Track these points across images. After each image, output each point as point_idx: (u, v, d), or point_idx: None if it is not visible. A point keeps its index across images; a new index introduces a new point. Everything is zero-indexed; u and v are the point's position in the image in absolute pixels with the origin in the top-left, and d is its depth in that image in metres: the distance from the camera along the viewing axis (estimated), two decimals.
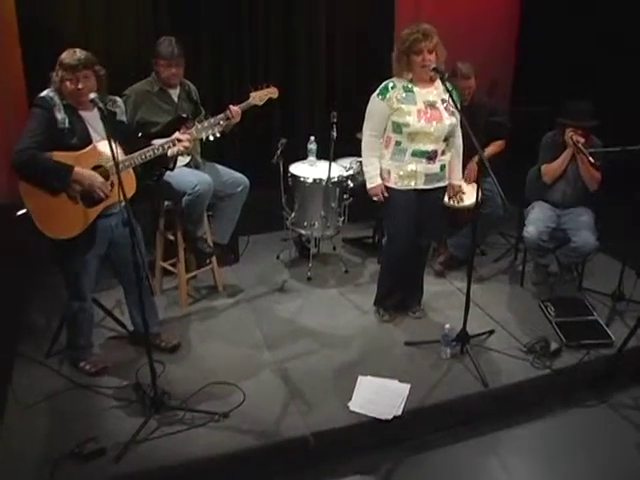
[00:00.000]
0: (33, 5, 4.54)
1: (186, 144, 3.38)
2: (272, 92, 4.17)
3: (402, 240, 3.84)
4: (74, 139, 3.07)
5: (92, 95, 2.98)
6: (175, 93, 4.06)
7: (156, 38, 4.70)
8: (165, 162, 3.42)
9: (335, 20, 5.57)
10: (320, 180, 4.50)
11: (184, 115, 3.83)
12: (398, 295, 4.13)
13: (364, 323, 4.15)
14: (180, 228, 4.13)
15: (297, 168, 4.67)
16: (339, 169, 4.66)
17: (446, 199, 4.20)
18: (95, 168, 3.12)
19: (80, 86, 3.05)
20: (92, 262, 3.33)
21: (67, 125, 3.06)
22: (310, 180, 4.52)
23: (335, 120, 4.34)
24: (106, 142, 2.98)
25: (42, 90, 3.13)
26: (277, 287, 4.60)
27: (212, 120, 3.48)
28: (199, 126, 3.49)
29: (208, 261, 4.39)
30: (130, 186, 3.21)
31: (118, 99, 3.37)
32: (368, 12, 5.60)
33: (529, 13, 6.02)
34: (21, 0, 4.45)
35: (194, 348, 3.87)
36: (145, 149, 3.22)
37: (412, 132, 3.60)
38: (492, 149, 4.68)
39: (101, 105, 2.93)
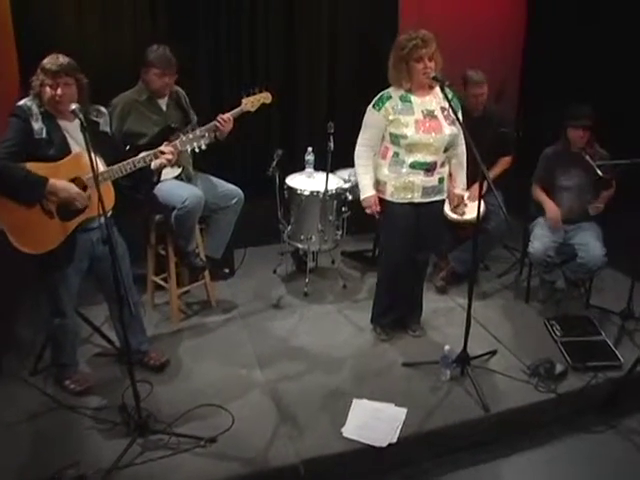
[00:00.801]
0: (29, 9, 4.42)
1: (169, 157, 3.23)
2: (265, 97, 4.01)
3: (398, 255, 3.69)
4: (51, 150, 2.95)
5: (73, 106, 2.85)
6: (164, 102, 3.92)
7: (153, 41, 4.59)
8: (148, 175, 3.28)
9: (337, 24, 5.41)
10: (317, 192, 4.35)
11: (173, 125, 3.70)
12: (395, 313, 3.97)
13: (360, 342, 3.99)
14: (171, 242, 4.00)
15: (294, 180, 4.53)
16: (337, 181, 4.51)
17: (448, 210, 4.07)
18: (73, 180, 2.99)
19: (59, 92, 2.93)
20: (72, 278, 3.20)
21: (44, 135, 2.94)
22: (307, 192, 4.38)
23: (332, 131, 4.20)
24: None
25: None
26: (272, 303, 4.45)
27: (197, 132, 3.33)
28: (184, 138, 3.33)
29: (201, 276, 4.25)
30: (109, 199, 3.09)
31: (102, 109, 3.24)
32: (371, 20, 5.45)
33: (536, 21, 5.87)
34: (17, 4, 4.35)
35: (184, 367, 3.73)
36: (125, 161, 3.09)
37: (410, 144, 3.46)
38: (499, 169, 4.53)
39: (81, 117, 2.79)
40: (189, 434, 3.10)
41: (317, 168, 4.62)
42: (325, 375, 3.65)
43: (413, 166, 3.51)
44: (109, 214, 3.22)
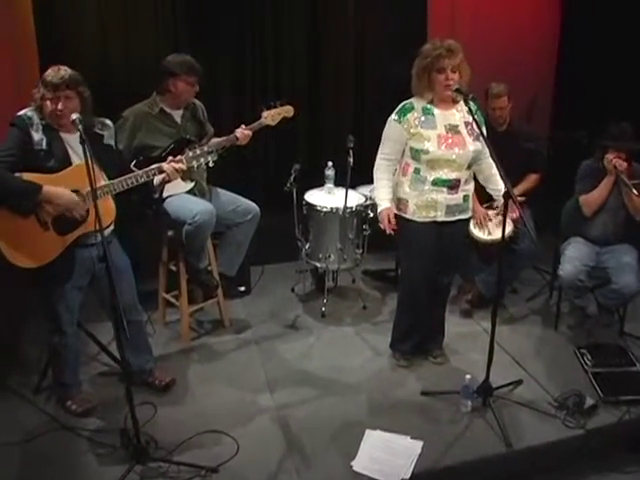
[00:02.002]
0: (51, 18, 4.38)
1: (172, 172, 3.09)
2: (287, 111, 3.89)
3: (419, 277, 3.49)
4: (51, 162, 2.84)
5: (74, 116, 2.73)
6: (178, 114, 3.78)
7: (175, 49, 4.50)
8: (150, 191, 3.15)
9: (364, 36, 5.28)
10: (336, 209, 4.18)
11: (188, 137, 3.57)
12: (415, 338, 3.76)
13: (378, 367, 3.78)
14: (182, 259, 3.86)
15: (313, 196, 4.36)
16: (358, 198, 4.34)
17: (474, 230, 3.87)
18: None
19: (60, 107, 2.83)
20: (72, 295, 3.08)
21: (44, 147, 2.83)
22: (325, 209, 4.21)
23: (352, 145, 4.04)
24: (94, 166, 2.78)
25: None
26: (288, 323, 4.28)
27: (205, 148, 3.17)
28: (190, 154, 3.17)
29: (214, 294, 4.10)
30: (108, 214, 2.97)
31: (108, 121, 3.13)
32: (399, 34, 5.28)
33: (569, 35, 5.63)
34: (39, 13, 4.29)
35: (191, 389, 3.58)
36: (127, 176, 2.96)
37: (431, 159, 3.27)
38: (525, 185, 4.30)
39: (80, 128, 2.67)
40: (190, 463, 2.94)
41: (338, 184, 4.45)
42: (338, 402, 3.46)
43: (435, 183, 3.32)
44: (111, 229, 3.11)
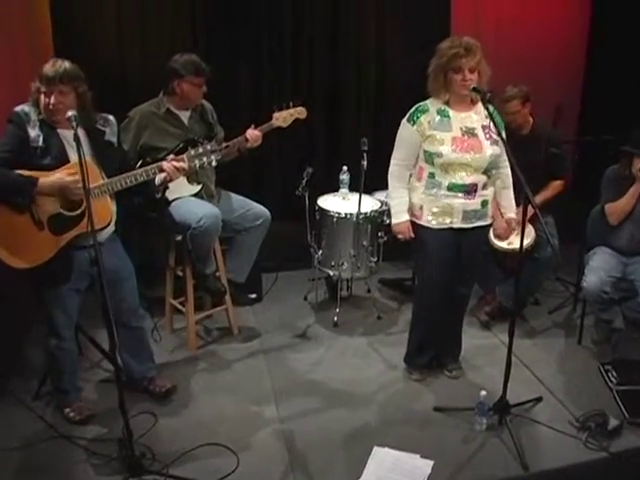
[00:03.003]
0: (69, 19, 4.33)
1: (173, 170, 2.96)
2: (299, 112, 3.77)
3: (435, 287, 3.32)
4: (47, 159, 2.74)
5: (70, 112, 2.63)
6: (185, 115, 3.67)
7: (193, 45, 4.40)
8: (151, 191, 3.03)
9: (385, 37, 5.15)
10: (350, 215, 4.03)
11: (196, 138, 3.46)
12: (431, 351, 3.58)
13: (390, 381, 3.61)
14: (188, 264, 3.74)
15: (326, 201, 4.22)
16: (373, 203, 4.18)
17: (493, 238, 3.69)
18: None
19: (53, 101, 2.73)
20: (69, 298, 2.97)
21: (41, 144, 2.73)
22: (338, 215, 4.06)
23: (366, 148, 3.88)
24: (92, 163, 2.75)
25: None
26: (299, 333, 4.13)
27: (208, 146, 3.04)
28: (192, 152, 3.03)
29: (222, 301, 3.97)
30: (104, 214, 2.85)
31: (110, 117, 3.02)
32: (421, 35, 5.12)
33: (598, 36, 5.44)
34: (57, 13, 4.25)
35: (193, 398, 3.45)
36: (126, 174, 2.84)
37: (446, 163, 3.11)
38: (549, 193, 4.09)
39: (74, 125, 2.56)
40: (186, 477, 2.81)
41: (354, 189, 4.29)
42: (346, 416, 3.30)
43: (451, 188, 3.16)
44: (110, 230, 3.00)
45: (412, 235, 3.28)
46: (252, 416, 3.29)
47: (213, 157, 3.02)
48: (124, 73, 4.57)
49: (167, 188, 3.27)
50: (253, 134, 3.59)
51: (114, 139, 3.01)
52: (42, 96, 2.72)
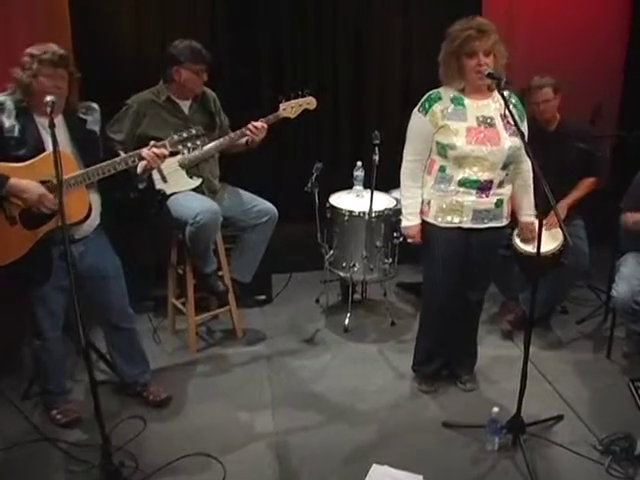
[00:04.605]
0: (87, 10, 4.21)
1: (153, 158, 2.77)
2: (308, 102, 3.57)
3: (443, 292, 3.07)
4: (23, 150, 2.58)
5: (48, 97, 2.46)
6: (186, 104, 3.48)
7: (212, 35, 4.26)
8: (133, 180, 2.85)
9: (412, 25, 4.89)
10: (363, 214, 3.79)
11: (193, 129, 3.26)
12: (440, 360, 3.32)
13: (398, 391, 3.36)
14: (189, 262, 3.56)
15: (339, 198, 3.98)
16: (387, 201, 3.93)
17: (519, 242, 3.42)
18: (45, 182, 2.60)
19: (60, 85, 2.60)
20: (52, 296, 2.81)
21: (16, 134, 2.58)
22: (350, 213, 3.82)
23: (378, 141, 3.62)
24: (68, 152, 2.61)
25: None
26: (307, 337, 3.91)
27: (193, 131, 2.83)
28: (175, 137, 2.83)
29: (227, 301, 3.78)
30: (80, 208, 2.68)
31: (94, 105, 2.85)
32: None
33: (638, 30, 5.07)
34: (75, 6, 4.11)
35: (187, 404, 3.26)
36: (104, 163, 2.66)
37: (459, 156, 2.84)
38: (580, 192, 3.79)
39: (48, 109, 2.39)
40: None
41: (368, 185, 4.05)
42: (346, 429, 3.06)
43: (462, 184, 2.89)
44: (94, 224, 2.84)
45: (419, 239, 3.03)
46: (246, 426, 3.09)
47: (199, 142, 2.83)
48: (141, 68, 4.40)
49: (151, 177, 3.09)
50: (257, 125, 3.38)
51: (97, 128, 2.83)
52: (44, 80, 2.56)
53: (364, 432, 3.03)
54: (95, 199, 2.81)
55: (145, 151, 2.74)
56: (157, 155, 2.75)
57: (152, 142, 2.79)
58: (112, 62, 4.26)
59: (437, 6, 4.75)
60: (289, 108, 3.53)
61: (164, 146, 2.78)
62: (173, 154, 2.92)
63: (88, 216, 2.71)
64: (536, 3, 4.97)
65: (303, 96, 3.55)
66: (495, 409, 2.86)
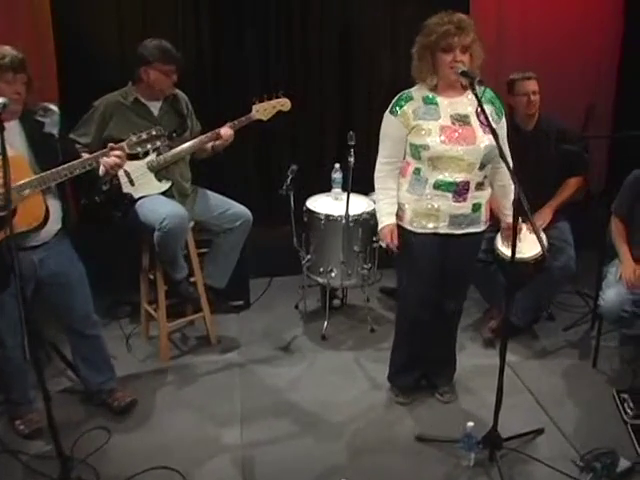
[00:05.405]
0: (70, 14, 4.12)
1: (113, 160, 2.65)
2: (282, 104, 3.46)
3: (418, 300, 2.93)
4: None
5: (1, 99, 2.34)
6: (156, 106, 3.36)
7: (197, 38, 4.18)
8: (94, 183, 2.74)
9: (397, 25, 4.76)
10: (339, 218, 3.66)
11: (156, 129, 3.11)
12: (417, 371, 3.19)
13: (372, 403, 3.23)
14: (160, 268, 3.44)
15: (316, 202, 3.86)
16: (366, 204, 3.79)
17: (500, 246, 3.30)
18: None
19: (22, 90, 2.51)
20: (11, 304, 2.68)
21: None
22: (326, 217, 3.70)
23: (353, 142, 3.50)
24: (22, 157, 2.50)
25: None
26: (282, 345, 3.77)
27: (153, 131, 2.71)
28: (133, 138, 2.71)
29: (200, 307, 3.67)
30: (36, 214, 2.57)
31: (53, 107, 2.74)
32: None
33: (631, 32, 4.94)
34: (58, 9, 4.03)
35: (155, 415, 3.15)
36: (60, 167, 2.55)
37: (434, 157, 2.71)
38: (565, 194, 3.68)
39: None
40: None
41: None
42: (316, 444, 2.94)
43: (437, 186, 2.76)
44: (54, 230, 2.74)
45: (395, 242, 2.89)
46: (212, 439, 2.97)
47: (159, 143, 2.72)
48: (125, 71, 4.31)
49: (118, 180, 2.98)
50: (223, 133, 3.29)
51: (55, 130, 2.71)
52: (3, 86, 2.45)
53: (335, 447, 2.91)
54: (54, 204, 2.71)
55: (104, 159, 2.63)
56: (116, 160, 2.63)
57: (110, 144, 2.67)
58: (94, 62, 4.14)
59: (425, 5, 4.63)
60: (262, 110, 3.42)
61: (121, 148, 2.66)
62: (134, 157, 2.81)
63: (45, 221, 2.60)
64: (526, 3, 4.85)
65: (277, 97, 3.44)
66: (470, 424, 2.73)
